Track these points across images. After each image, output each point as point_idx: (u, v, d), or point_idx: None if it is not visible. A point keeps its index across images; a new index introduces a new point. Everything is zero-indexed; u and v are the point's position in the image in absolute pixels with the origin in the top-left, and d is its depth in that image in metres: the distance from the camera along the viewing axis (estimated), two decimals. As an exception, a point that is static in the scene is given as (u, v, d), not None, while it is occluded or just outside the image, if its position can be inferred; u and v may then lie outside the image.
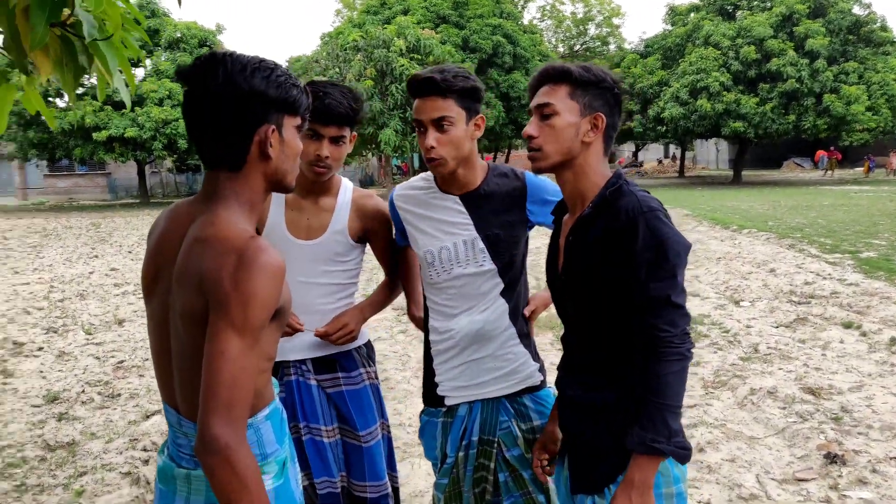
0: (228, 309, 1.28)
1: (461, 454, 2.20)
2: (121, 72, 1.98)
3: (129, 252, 13.72)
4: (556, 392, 1.92)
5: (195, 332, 1.33)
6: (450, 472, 2.23)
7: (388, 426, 2.56)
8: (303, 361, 2.37)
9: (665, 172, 45.38)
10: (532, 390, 2.20)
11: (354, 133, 2.33)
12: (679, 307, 1.57)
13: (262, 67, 1.39)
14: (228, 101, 1.36)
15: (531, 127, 1.72)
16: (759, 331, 6.24)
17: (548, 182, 2.17)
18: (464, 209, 2.13)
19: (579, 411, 1.75)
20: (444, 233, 2.15)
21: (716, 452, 3.82)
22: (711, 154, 52.64)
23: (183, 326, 1.36)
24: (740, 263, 9.69)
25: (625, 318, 1.62)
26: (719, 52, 29.90)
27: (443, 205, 2.15)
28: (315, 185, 2.30)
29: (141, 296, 8.24)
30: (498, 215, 2.13)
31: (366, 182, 43.62)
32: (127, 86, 1.93)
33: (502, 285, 2.15)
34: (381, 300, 2.51)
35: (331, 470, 2.40)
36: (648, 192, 1.65)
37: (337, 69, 20.27)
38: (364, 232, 2.40)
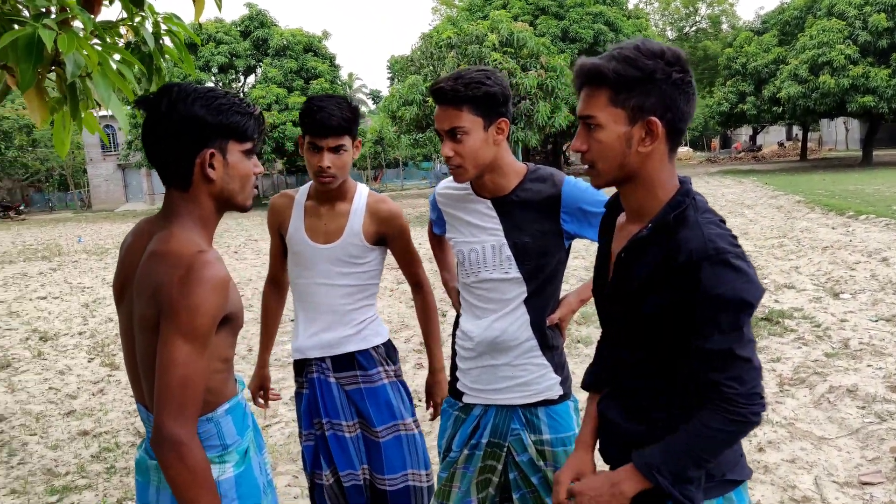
0: (176, 317, 1.40)
1: (466, 452, 2.22)
2: (127, 101, 2.20)
3: (236, 252, 14.62)
4: (587, 411, 1.74)
5: (150, 339, 1.47)
6: (450, 468, 2.26)
7: (418, 423, 2.62)
8: (322, 360, 2.51)
9: (786, 156, 42.72)
10: (548, 403, 2.17)
11: (360, 139, 2.45)
12: (746, 360, 1.36)
13: (205, 96, 1.50)
14: (170, 127, 1.48)
15: (578, 140, 1.49)
16: (853, 325, 5.85)
17: (588, 191, 2.07)
18: (495, 213, 2.12)
19: (621, 438, 1.59)
20: (474, 235, 2.15)
21: (776, 452, 3.66)
22: (840, 134, 49.03)
23: (140, 334, 1.50)
24: (848, 252, 9.06)
25: (681, 354, 1.43)
26: (844, 22, 27.64)
27: (475, 207, 2.16)
28: (329, 192, 2.44)
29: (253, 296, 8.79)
30: (529, 222, 2.09)
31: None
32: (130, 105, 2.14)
33: (526, 294, 2.12)
34: (437, 338, 2.66)
35: (353, 463, 2.53)
36: (720, 222, 1.42)
37: (431, 67, 20.54)
38: (380, 235, 2.51)
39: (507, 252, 2.09)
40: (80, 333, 7.71)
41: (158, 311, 1.43)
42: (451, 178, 2.24)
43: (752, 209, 15.13)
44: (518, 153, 24.20)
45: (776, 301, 6.86)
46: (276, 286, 2.73)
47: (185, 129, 1.49)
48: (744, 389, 1.35)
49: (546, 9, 31.40)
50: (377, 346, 2.56)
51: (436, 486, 2.33)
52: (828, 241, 10.11)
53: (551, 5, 31.39)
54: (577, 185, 2.09)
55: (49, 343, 7.34)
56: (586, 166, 1.50)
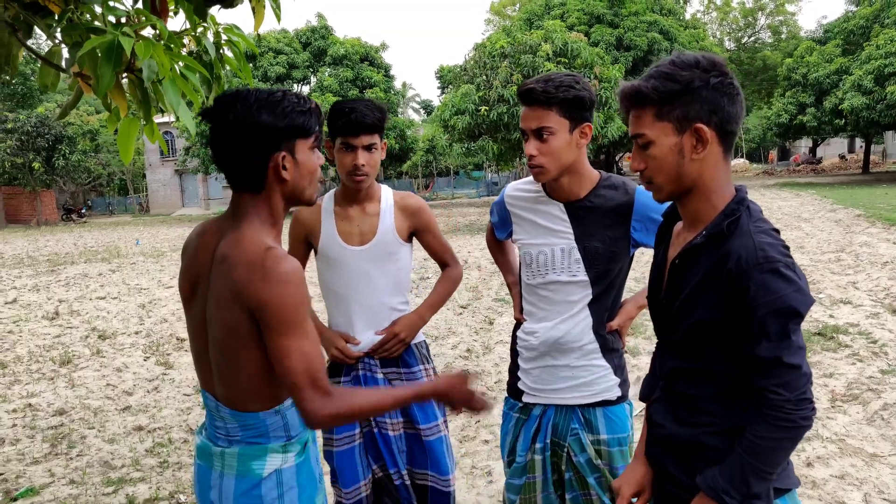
0: (274, 318, 1.48)
1: (538, 457, 2.26)
2: (190, 104, 2.31)
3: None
4: (644, 419, 1.78)
5: (234, 343, 1.56)
6: (522, 474, 2.29)
7: (447, 425, 2.68)
8: (371, 356, 2.56)
9: (847, 169, 41.37)
10: (606, 404, 2.22)
11: (385, 141, 2.52)
12: (794, 367, 1.37)
13: (269, 102, 1.56)
14: (242, 135, 1.54)
15: (635, 160, 1.54)
16: (912, 342, 5.67)
17: None
18: (566, 217, 2.17)
19: (668, 445, 1.61)
20: (544, 237, 2.20)
21: (825, 468, 3.58)
22: (905, 147, 47.24)
23: (223, 338, 1.57)
24: (910, 268, 8.75)
25: (730, 361, 1.46)
26: None
27: (547, 210, 2.20)
28: (359, 193, 2.51)
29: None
30: (600, 228, 2.14)
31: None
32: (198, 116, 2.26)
33: (591, 297, 2.18)
34: (438, 300, 2.67)
35: (398, 463, 2.56)
36: (773, 231, 1.44)
37: (484, 76, 20.62)
38: (411, 230, 2.59)
39: (577, 255, 2.15)
40: (136, 333, 8.00)
41: (249, 313, 1.51)
42: (521, 180, 2.32)
43: (810, 222, 14.72)
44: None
45: (831, 316, 6.68)
46: None
47: (256, 136, 1.54)
48: (792, 396, 1.37)
49: (601, 17, 31.25)
50: (419, 343, 2.64)
51: (506, 495, 2.35)
52: (888, 256, 9.78)
53: (607, 14, 31.24)
54: (648, 195, 2.13)
55: (107, 341, 7.63)
56: (646, 183, 1.54)
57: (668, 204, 1.68)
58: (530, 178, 2.28)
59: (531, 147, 2.05)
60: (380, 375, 2.56)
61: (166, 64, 1.88)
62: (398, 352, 2.55)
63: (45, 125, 35.07)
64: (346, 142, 2.40)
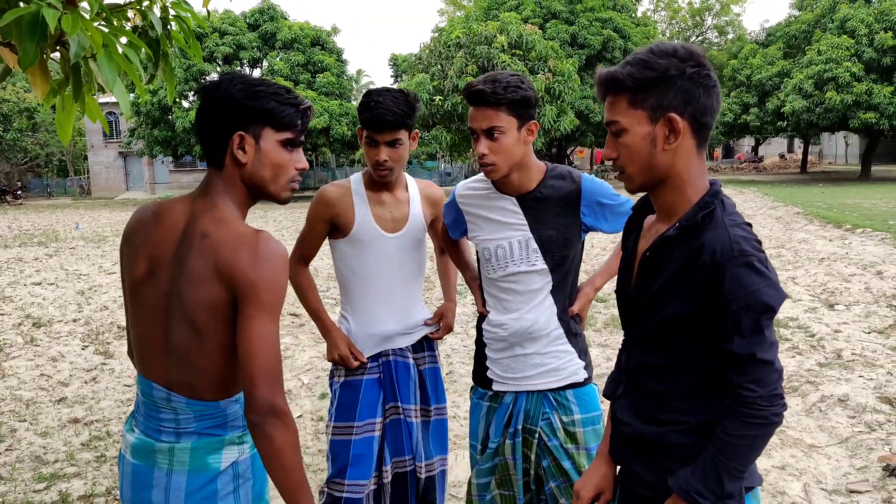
0: (258, 296, 1.46)
1: (508, 442, 2.30)
2: (132, 87, 2.20)
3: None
4: (608, 417, 1.75)
5: (212, 322, 1.51)
6: (492, 458, 2.34)
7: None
8: (400, 348, 2.57)
9: (787, 168, 42.81)
10: (575, 386, 2.29)
11: (416, 131, 2.48)
12: (767, 363, 1.37)
13: (248, 82, 1.54)
14: (211, 107, 1.54)
15: (608, 148, 1.51)
16: (847, 336, 5.87)
17: (604, 185, 2.24)
18: (519, 210, 2.23)
19: (634, 444, 1.59)
20: (500, 231, 2.25)
21: (766, 459, 3.67)
22: (840, 148, 49.15)
23: (200, 317, 1.51)
24: (844, 265, 9.07)
25: (704, 354, 1.44)
26: (853, 40, 27.47)
27: (500, 205, 2.26)
28: (387, 183, 2.48)
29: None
30: (552, 217, 2.21)
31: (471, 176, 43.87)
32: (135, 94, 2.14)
33: (552, 284, 2.25)
34: (452, 282, 2.83)
35: (415, 449, 2.55)
36: (746, 225, 1.42)
37: (439, 66, 20.55)
38: (431, 218, 2.62)
39: (534, 245, 2.22)
40: (74, 321, 7.70)
41: (233, 292, 1.48)
42: (469, 179, 2.38)
43: (752, 219, 15.14)
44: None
45: (771, 311, 6.87)
46: (305, 265, 2.65)
47: (222, 109, 1.53)
48: (765, 392, 1.36)
49: (557, 13, 31.43)
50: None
51: (474, 482, 2.37)
52: (825, 252, 10.12)
53: (562, 11, 31.42)
54: (593, 181, 2.24)
55: (42, 329, 7.32)
56: (619, 173, 1.51)
57: (615, 192, 1.66)
58: (479, 175, 2.32)
59: (482, 146, 2.11)
60: (411, 361, 2.58)
61: (97, 39, 1.76)
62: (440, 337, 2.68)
63: (-23, 102, 33.51)
64: (370, 136, 2.37)
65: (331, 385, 2.60)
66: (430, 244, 2.74)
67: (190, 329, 1.52)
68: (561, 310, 2.27)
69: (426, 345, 2.65)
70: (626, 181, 1.51)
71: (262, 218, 21.05)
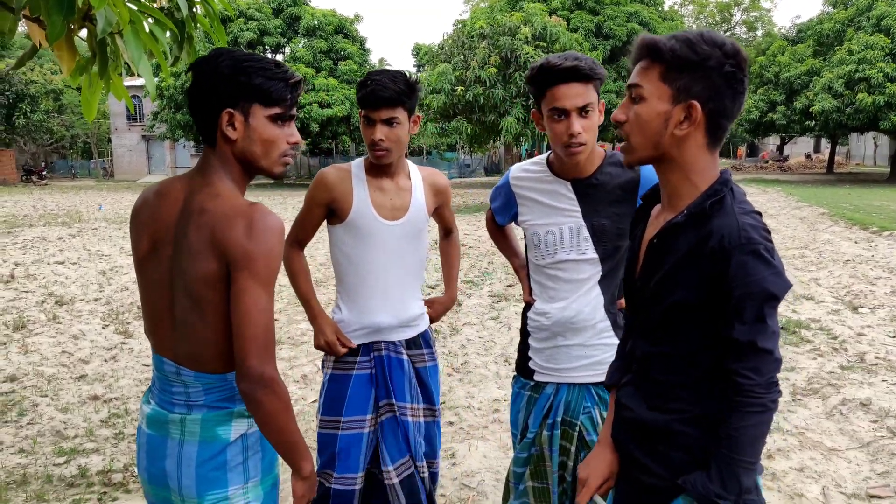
0: (253, 266, 1.47)
1: (546, 433, 2.25)
2: (158, 69, 2.19)
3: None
4: (611, 403, 1.74)
5: (211, 294, 1.51)
6: (529, 447, 2.29)
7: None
8: (393, 342, 2.47)
9: (812, 168, 42.18)
10: None
11: (418, 115, 2.41)
12: (766, 352, 1.37)
13: (237, 57, 1.53)
14: (202, 83, 1.54)
15: (620, 110, 1.48)
16: (871, 339, 5.77)
17: None
18: (573, 195, 2.16)
19: (636, 430, 1.58)
20: (551, 217, 2.19)
21: (785, 460, 3.62)
22: (868, 149, 48.26)
23: (200, 290, 1.52)
24: (870, 267, 8.93)
25: (710, 343, 1.44)
26: (889, 39, 26.77)
27: (554, 189, 2.19)
28: (388, 167, 2.39)
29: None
30: (607, 205, 2.14)
31: (491, 169, 43.81)
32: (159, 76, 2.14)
33: (601, 275, 2.18)
34: (455, 272, 2.80)
35: (412, 449, 2.45)
36: (756, 213, 1.41)
37: (461, 56, 20.45)
38: (435, 206, 2.55)
39: (585, 233, 2.15)
40: (95, 300, 7.79)
41: (227, 264, 1.49)
42: (524, 161, 2.33)
43: (776, 219, 14.95)
44: (542, 147, 24.07)
45: (794, 311, 6.78)
46: (301, 248, 2.56)
47: (210, 86, 1.53)
48: (762, 380, 1.37)
49: (582, 3, 31.16)
50: (430, 328, 2.61)
51: (511, 469, 2.34)
52: (850, 254, 9.97)
53: (587, 0, 31.14)
54: (653, 170, 2.15)
55: (64, 307, 7.42)
56: (623, 140, 1.51)
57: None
58: (535, 159, 2.29)
59: (577, 125, 2.01)
60: (405, 357, 2.47)
61: (125, 15, 1.76)
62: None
63: (4, 81, 33.93)
64: (366, 115, 2.31)
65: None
66: (434, 235, 2.70)
67: (191, 302, 1.54)
68: (609, 301, 2.19)
69: (423, 341, 2.53)
70: (627, 151, 1.50)
71: (282, 204, 21.12)
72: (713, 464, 1.41)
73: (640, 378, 1.61)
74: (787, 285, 1.37)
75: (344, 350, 2.42)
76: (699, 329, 1.44)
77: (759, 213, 1.43)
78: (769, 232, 1.39)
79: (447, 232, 2.76)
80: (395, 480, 2.41)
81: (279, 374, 1.50)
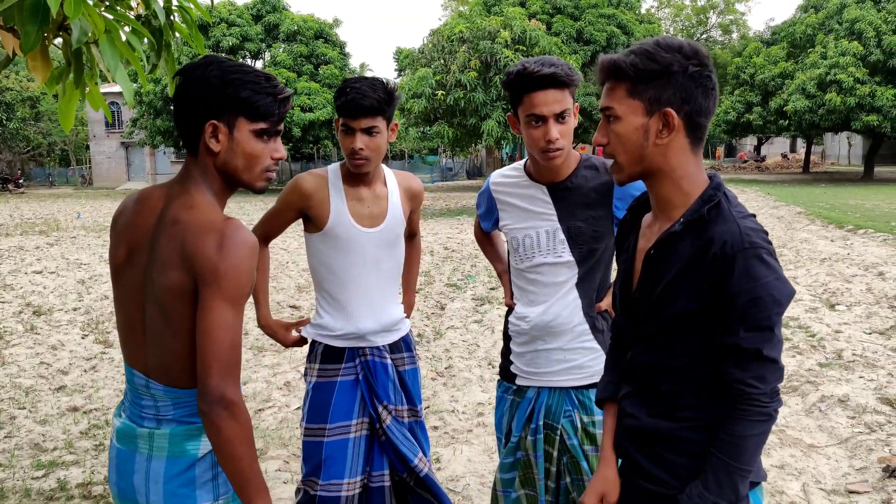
0: (220, 283, 1.43)
1: (529, 438, 2.25)
2: (135, 77, 2.18)
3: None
4: (607, 415, 1.71)
5: (180, 307, 1.48)
6: (515, 452, 2.29)
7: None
8: (377, 347, 2.46)
9: (789, 168, 42.73)
10: None
11: (396, 123, 2.40)
12: (771, 361, 1.36)
13: (225, 68, 1.50)
14: (187, 92, 1.51)
15: (599, 133, 1.50)
16: (847, 336, 5.86)
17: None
18: (549, 199, 2.18)
19: (641, 437, 1.57)
20: (529, 221, 2.21)
21: (765, 458, 3.66)
22: (842, 149, 49.02)
23: (169, 302, 1.49)
24: (846, 265, 9.06)
25: (706, 354, 1.43)
26: (862, 47, 26.98)
27: (530, 193, 2.22)
28: (365, 175, 2.38)
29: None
30: (583, 208, 2.16)
31: (473, 173, 43.88)
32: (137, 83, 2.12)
33: (577, 277, 2.19)
34: (414, 274, 2.81)
35: (411, 454, 2.43)
36: (753, 217, 1.42)
37: (441, 60, 20.49)
38: (409, 211, 2.54)
39: (561, 236, 2.17)
40: (74, 309, 7.70)
41: (195, 278, 1.45)
42: (504, 167, 2.35)
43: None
44: (524, 150, 24.17)
45: (772, 310, 6.86)
46: (266, 244, 2.55)
47: (196, 95, 1.50)
48: (766, 388, 1.35)
49: (562, 8, 31.33)
50: (410, 331, 2.62)
51: (498, 476, 2.34)
52: (826, 253, 10.11)
53: (568, 5, 31.30)
54: None
55: (42, 318, 7.32)
56: (610, 161, 1.51)
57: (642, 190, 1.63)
58: (514, 164, 2.32)
59: (554, 131, 2.02)
60: (389, 361, 2.47)
61: (100, 24, 1.74)
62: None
63: (-21, 89, 33.47)
64: (345, 123, 2.29)
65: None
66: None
67: (161, 314, 1.51)
68: (587, 305, 2.20)
69: (404, 345, 2.55)
70: (616, 171, 1.50)
71: (262, 209, 21.03)
72: (710, 471, 1.41)
73: (643, 387, 1.59)
74: (791, 291, 1.35)
75: (294, 338, 2.51)
76: (701, 337, 1.43)
77: (755, 216, 1.44)
78: (767, 234, 1.39)
79: (411, 235, 2.72)
80: (424, 473, 2.43)
81: (241, 397, 1.45)
